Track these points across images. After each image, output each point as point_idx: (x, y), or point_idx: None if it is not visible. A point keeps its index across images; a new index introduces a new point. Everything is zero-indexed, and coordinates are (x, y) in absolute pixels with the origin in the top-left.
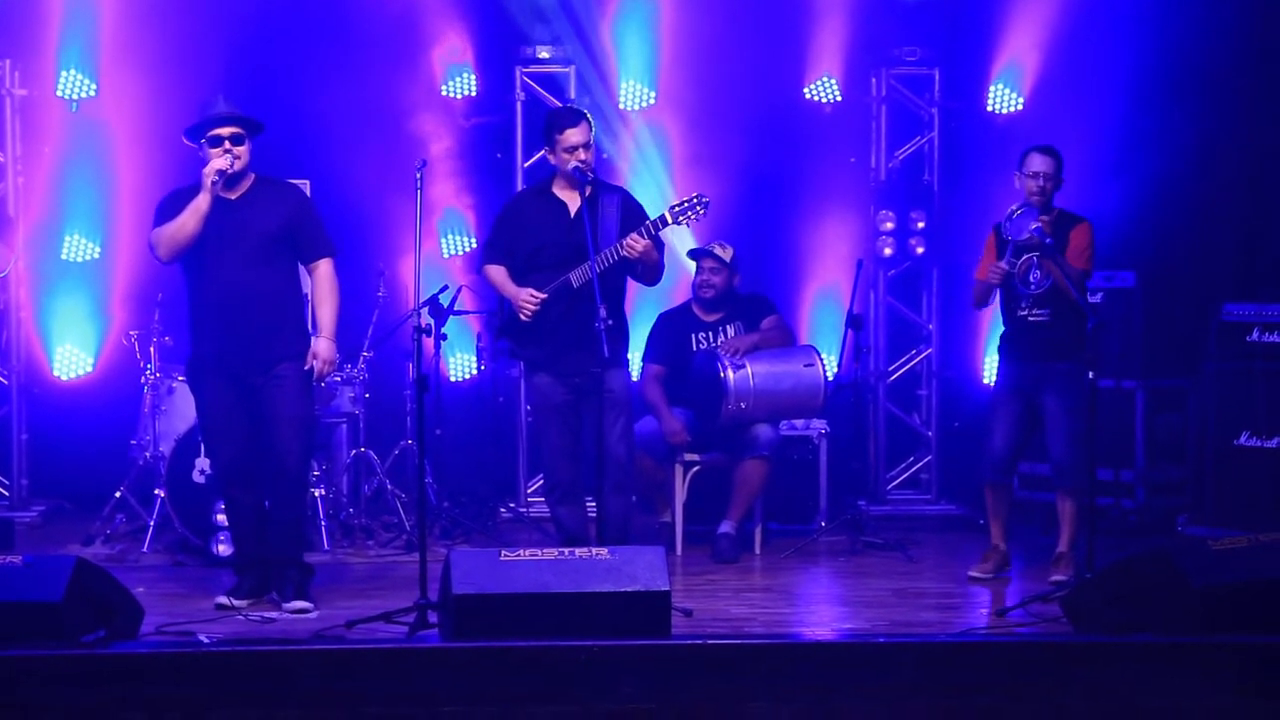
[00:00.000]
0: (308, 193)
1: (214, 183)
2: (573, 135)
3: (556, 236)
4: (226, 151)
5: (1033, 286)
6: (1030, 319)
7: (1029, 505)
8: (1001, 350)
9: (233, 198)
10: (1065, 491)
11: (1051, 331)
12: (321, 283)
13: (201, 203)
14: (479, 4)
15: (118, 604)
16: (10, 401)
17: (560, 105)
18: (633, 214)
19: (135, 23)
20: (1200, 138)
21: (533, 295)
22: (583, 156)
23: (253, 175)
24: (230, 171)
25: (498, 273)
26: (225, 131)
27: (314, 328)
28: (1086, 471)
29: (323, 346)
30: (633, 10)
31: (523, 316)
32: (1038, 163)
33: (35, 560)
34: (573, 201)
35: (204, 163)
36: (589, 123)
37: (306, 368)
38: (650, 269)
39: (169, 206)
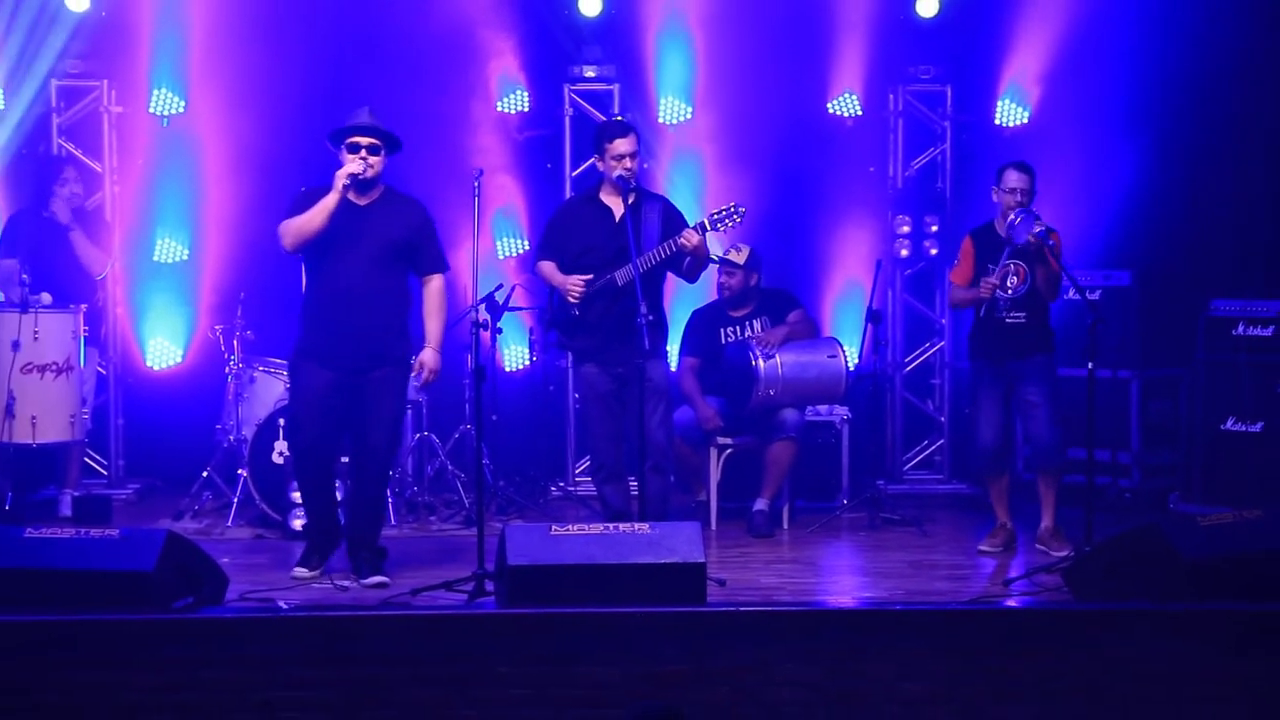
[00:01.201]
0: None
1: (345, 185)
2: (620, 145)
3: (602, 239)
4: (362, 159)
5: (1011, 291)
6: (1009, 320)
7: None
8: (976, 349)
9: (362, 204)
10: (1047, 471)
11: (1027, 330)
12: (433, 296)
13: (329, 201)
14: (531, 28)
15: (205, 573)
16: (108, 390)
17: (606, 119)
18: (673, 219)
19: (220, 46)
20: (1192, 148)
21: (578, 280)
22: (628, 165)
23: (383, 186)
24: (361, 177)
25: (548, 266)
26: (364, 140)
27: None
28: (1065, 450)
29: (430, 357)
30: (671, 33)
31: (570, 299)
32: (1014, 179)
33: (130, 533)
34: (618, 207)
35: (328, 167)
36: (635, 135)
37: (414, 374)
38: (697, 264)
39: (301, 202)
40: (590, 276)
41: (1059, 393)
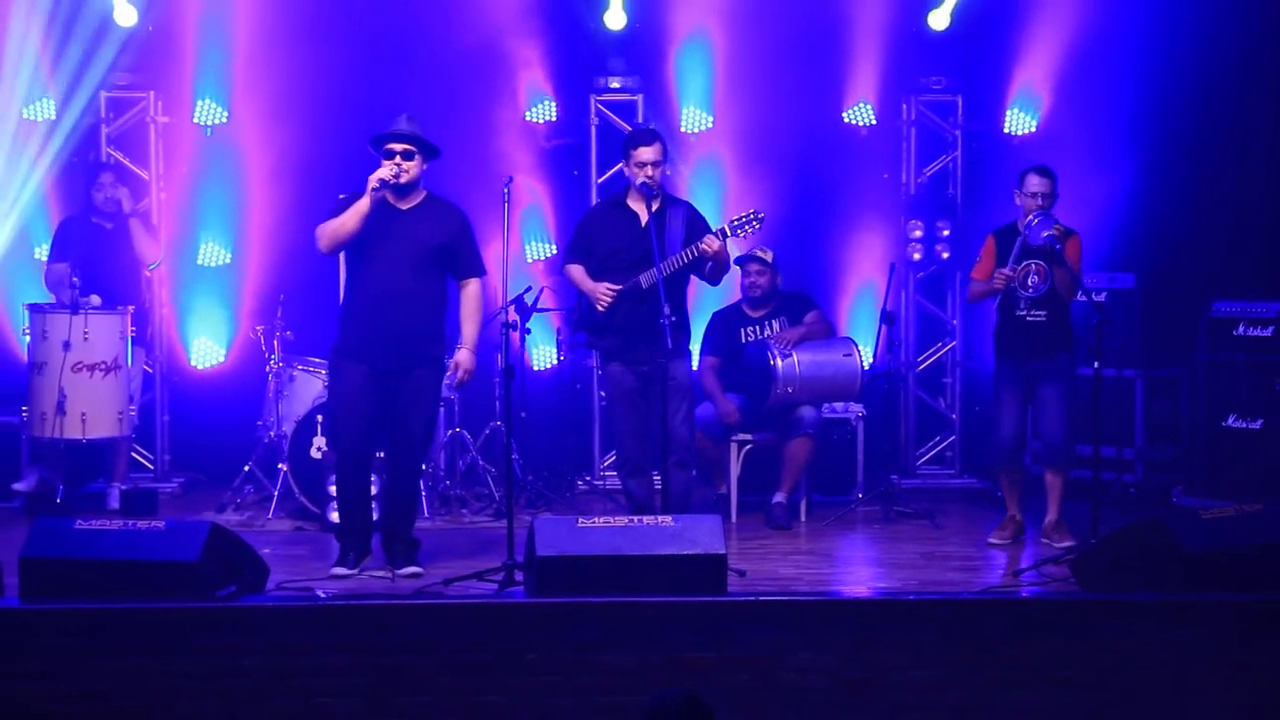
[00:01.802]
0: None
1: (375, 188)
2: (644, 153)
3: (628, 242)
4: (396, 164)
5: (1031, 290)
6: (1029, 319)
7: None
8: (1000, 348)
9: (403, 208)
10: (1055, 468)
11: (1047, 329)
12: (469, 300)
13: (362, 204)
14: (558, 41)
15: (246, 563)
16: (154, 388)
17: (633, 128)
18: (696, 224)
19: (261, 59)
20: (1193, 156)
21: (609, 288)
22: (650, 172)
23: (425, 192)
24: (393, 181)
25: (577, 270)
26: (398, 146)
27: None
28: (1074, 449)
29: (465, 358)
30: (693, 46)
31: (599, 307)
32: (1036, 183)
33: (175, 525)
34: (643, 212)
35: (366, 173)
36: (661, 143)
37: (448, 375)
38: (719, 268)
39: (339, 208)
40: (620, 287)
41: (1076, 392)
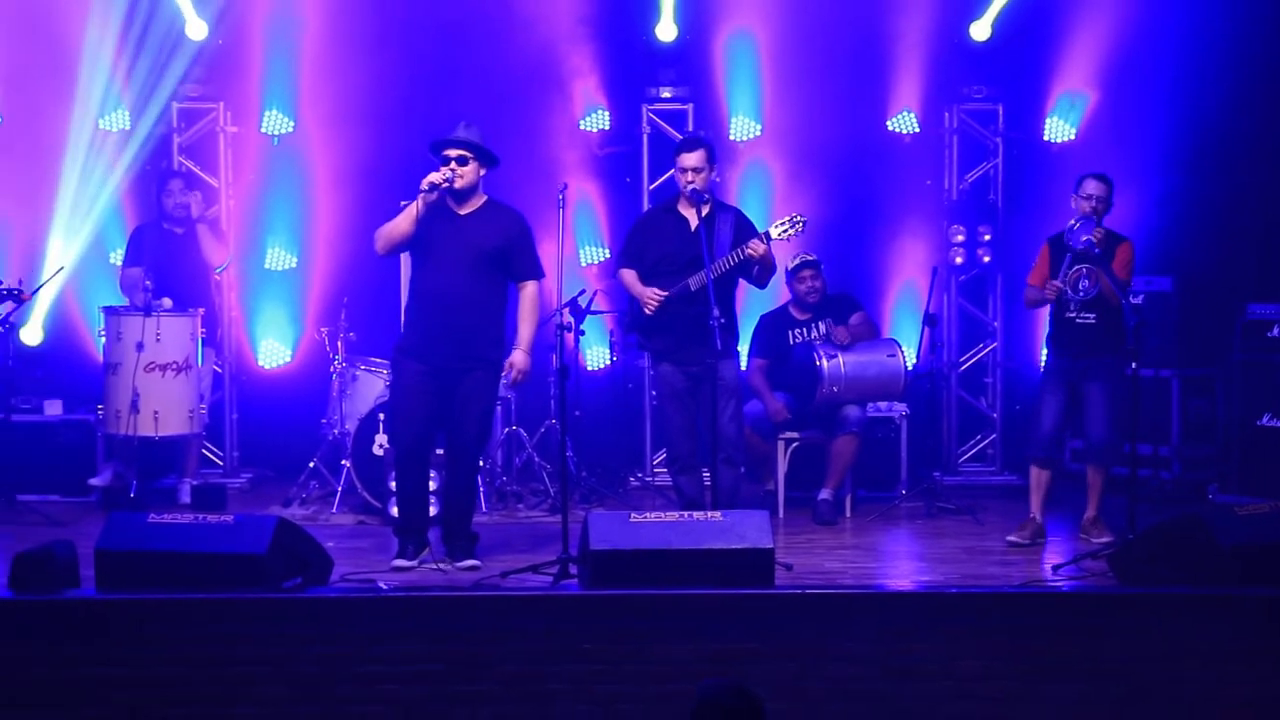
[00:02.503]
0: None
1: (424, 190)
2: (687, 159)
3: (678, 246)
4: (450, 169)
5: (1081, 294)
6: (1078, 321)
7: (1078, 477)
8: (1050, 346)
9: (462, 213)
10: (1098, 465)
11: (1096, 331)
12: (525, 301)
13: (413, 207)
14: (611, 53)
15: (311, 556)
16: (223, 387)
17: (683, 136)
18: (744, 229)
19: (326, 71)
20: (1226, 165)
21: (656, 294)
22: (690, 178)
23: (485, 197)
24: (444, 185)
25: (629, 275)
26: (452, 152)
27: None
28: (1120, 449)
29: (519, 358)
30: (741, 57)
31: (646, 311)
32: (1091, 187)
33: (243, 519)
34: (693, 217)
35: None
36: (704, 150)
37: (504, 374)
38: (765, 271)
39: (399, 211)
40: (666, 293)
41: (1123, 395)
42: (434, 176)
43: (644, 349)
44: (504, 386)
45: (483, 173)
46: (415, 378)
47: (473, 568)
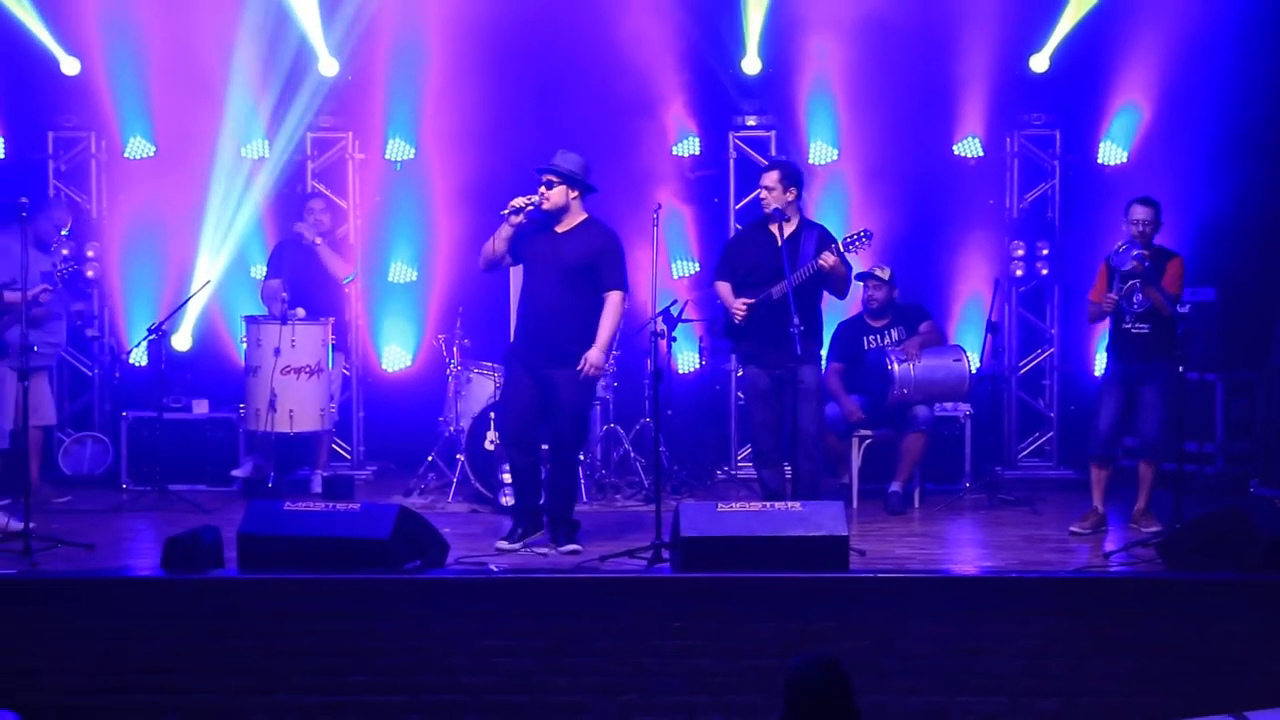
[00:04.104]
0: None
1: (505, 213)
2: (764, 179)
3: (765, 259)
4: (541, 193)
5: (1135, 306)
6: (1134, 331)
7: (1130, 471)
8: (1110, 354)
9: (559, 231)
10: (1150, 461)
11: (1149, 340)
12: (606, 308)
13: (504, 228)
14: (702, 85)
15: (429, 541)
16: (351, 388)
17: (766, 161)
18: (826, 244)
19: (445, 102)
20: (1268, 184)
21: (743, 303)
22: (763, 195)
23: (584, 215)
24: (527, 208)
25: (724, 287)
26: (544, 177)
27: None
28: (1172, 447)
29: (592, 354)
30: (820, 88)
31: (735, 320)
32: (1139, 212)
33: (369, 507)
34: (779, 233)
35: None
36: (777, 171)
37: (578, 368)
38: (840, 283)
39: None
40: (752, 301)
41: (1175, 398)
42: (517, 201)
43: (735, 353)
44: (602, 387)
45: (574, 195)
46: (518, 376)
47: (574, 552)
